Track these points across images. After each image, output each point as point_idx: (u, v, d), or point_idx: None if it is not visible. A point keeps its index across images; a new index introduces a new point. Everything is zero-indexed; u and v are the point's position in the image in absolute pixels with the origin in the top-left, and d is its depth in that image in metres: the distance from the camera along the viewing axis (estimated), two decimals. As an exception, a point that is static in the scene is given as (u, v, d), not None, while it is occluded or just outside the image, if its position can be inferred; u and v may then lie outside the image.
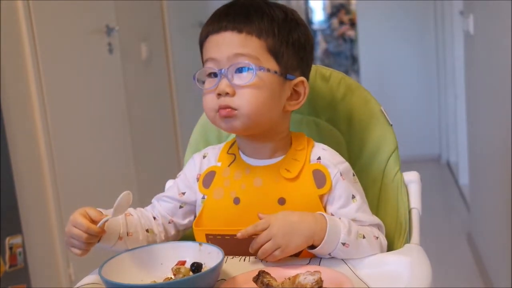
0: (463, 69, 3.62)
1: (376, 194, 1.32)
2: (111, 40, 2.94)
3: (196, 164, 1.26)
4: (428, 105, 4.88)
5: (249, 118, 1.13)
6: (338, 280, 1.02)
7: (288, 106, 1.18)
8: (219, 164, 1.23)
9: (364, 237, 1.11)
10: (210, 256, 1.07)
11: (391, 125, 1.35)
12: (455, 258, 3.18)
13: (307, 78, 1.21)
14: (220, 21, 1.14)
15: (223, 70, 1.12)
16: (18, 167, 2.27)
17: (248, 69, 1.12)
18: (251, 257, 1.14)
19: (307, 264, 1.11)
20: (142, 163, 3.22)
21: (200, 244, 1.10)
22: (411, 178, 1.32)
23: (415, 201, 1.29)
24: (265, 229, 1.07)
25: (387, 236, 1.19)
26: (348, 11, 8.89)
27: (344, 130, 1.37)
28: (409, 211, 1.29)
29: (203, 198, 1.21)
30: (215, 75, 1.14)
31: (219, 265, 1.02)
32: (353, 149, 1.36)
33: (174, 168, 3.74)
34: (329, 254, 1.09)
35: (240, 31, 1.13)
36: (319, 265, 1.10)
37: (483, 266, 2.90)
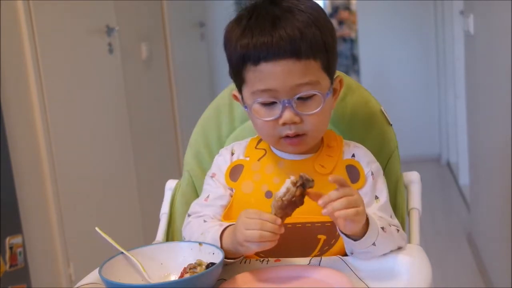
0: (463, 69, 3.62)
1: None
2: (111, 40, 2.94)
3: (226, 159, 1.25)
4: (428, 105, 4.88)
5: (315, 139, 1.17)
6: (338, 280, 1.02)
7: (332, 106, 1.20)
8: (247, 158, 1.23)
9: (390, 225, 1.12)
10: (210, 256, 1.07)
11: (391, 125, 1.36)
12: (455, 258, 3.18)
13: None
14: (273, 42, 1.08)
15: (286, 102, 1.10)
16: (18, 167, 2.27)
17: (312, 94, 1.11)
18: (251, 259, 1.14)
19: (308, 264, 1.11)
20: (142, 163, 3.22)
21: (200, 244, 1.10)
22: (411, 178, 1.32)
23: (415, 201, 1.30)
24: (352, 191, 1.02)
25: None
26: (349, 11, 8.88)
27: (344, 130, 1.37)
28: (409, 211, 1.29)
29: (231, 191, 1.21)
30: (272, 102, 1.12)
31: (219, 265, 1.02)
32: (353, 149, 1.36)
33: (174, 168, 3.74)
34: (374, 243, 1.06)
35: (299, 57, 1.08)
36: (319, 265, 1.10)
37: (483, 266, 2.89)
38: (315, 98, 1.11)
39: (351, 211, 1.00)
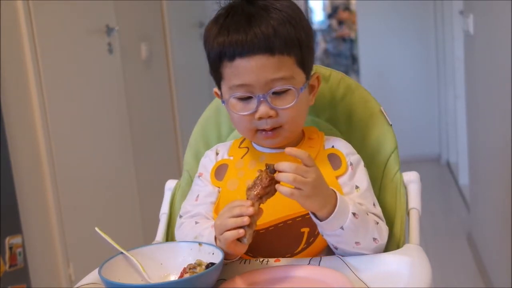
0: (463, 69, 3.62)
1: (375, 193, 1.32)
2: (111, 40, 2.94)
3: (212, 159, 1.28)
4: (428, 105, 4.88)
5: (291, 132, 1.18)
6: (338, 280, 1.02)
7: (309, 102, 1.22)
8: (231, 158, 1.25)
9: (367, 214, 1.12)
10: (209, 256, 1.07)
11: (391, 125, 1.36)
12: (455, 258, 3.18)
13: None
14: (247, 39, 1.11)
15: (261, 96, 1.12)
16: (18, 167, 2.27)
17: (288, 90, 1.13)
18: (251, 259, 1.15)
19: (308, 264, 1.11)
20: (142, 163, 3.22)
21: (200, 244, 1.11)
22: (411, 178, 1.32)
23: (415, 201, 1.29)
24: (308, 166, 1.03)
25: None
26: (349, 11, 8.88)
27: (343, 130, 1.37)
28: (408, 211, 1.29)
29: (218, 190, 1.23)
30: (248, 97, 1.14)
31: (219, 265, 1.02)
32: (352, 149, 1.36)
33: (174, 168, 3.74)
34: (341, 227, 1.06)
35: (272, 53, 1.11)
36: (319, 265, 1.10)
37: (483, 266, 2.89)
38: (290, 93, 1.14)
39: (286, 190, 1.01)
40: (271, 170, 1.04)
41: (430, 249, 3.15)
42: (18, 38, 2.33)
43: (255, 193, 1.04)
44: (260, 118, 1.14)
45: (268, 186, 1.05)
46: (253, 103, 1.14)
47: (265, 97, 1.12)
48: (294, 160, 1.11)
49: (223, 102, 1.19)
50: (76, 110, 2.69)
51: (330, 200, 1.05)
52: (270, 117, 1.13)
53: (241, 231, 1.03)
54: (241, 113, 1.15)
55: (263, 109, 1.13)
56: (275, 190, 1.05)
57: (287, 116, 1.14)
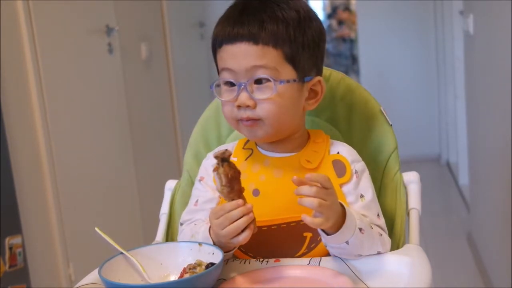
0: (463, 69, 3.62)
1: (375, 193, 1.32)
2: (111, 40, 2.94)
3: (214, 161, 1.26)
4: (428, 105, 4.88)
5: (272, 128, 1.15)
6: (338, 280, 1.02)
7: (307, 106, 1.20)
8: (234, 159, 1.24)
9: (372, 227, 1.12)
10: (209, 256, 1.07)
11: (391, 125, 1.36)
12: (455, 258, 3.18)
13: (321, 72, 1.22)
14: (234, 30, 1.13)
15: (242, 84, 1.13)
16: (18, 167, 2.27)
17: (268, 80, 1.12)
18: (252, 259, 1.15)
19: (308, 264, 1.11)
20: (142, 163, 3.22)
21: (200, 244, 1.10)
22: (411, 178, 1.32)
23: (415, 201, 1.29)
24: (327, 188, 1.03)
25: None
26: (349, 12, 8.88)
27: (343, 130, 1.37)
28: (408, 211, 1.29)
29: (219, 195, 1.22)
30: (232, 83, 1.15)
31: (219, 265, 1.02)
32: (352, 149, 1.36)
33: (174, 168, 3.74)
34: (347, 242, 1.06)
35: (256, 42, 1.12)
36: (319, 265, 1.10)
37: (483, 266, 2.90)
38: (270, 85, 1.13)
39: (310, 219, 1.01)
40: (226, 159, 1.04)
41: (430, 249, 3.14)
42: (18, 38, 2.33)
43: (236, 191, 1.05)
44: (239, 107, 1.14)
45: (239, 175, 1.06)
46: (235, 91, 1.14)
47: (246, 85, 1.12)
48: (296, 161, 1.11)
49: (211, 87, 1.20)
50: (76, 110, 2.69)
51: (339, 218, 1.05)
52: (248, 106, 1.13)
53: (252, 226, 1.05)
54: (224, 99, 1.16)
55: (242, 97, 1.13)
56: (239, 173, 1.06)
57: (266, 110, 1.13)
